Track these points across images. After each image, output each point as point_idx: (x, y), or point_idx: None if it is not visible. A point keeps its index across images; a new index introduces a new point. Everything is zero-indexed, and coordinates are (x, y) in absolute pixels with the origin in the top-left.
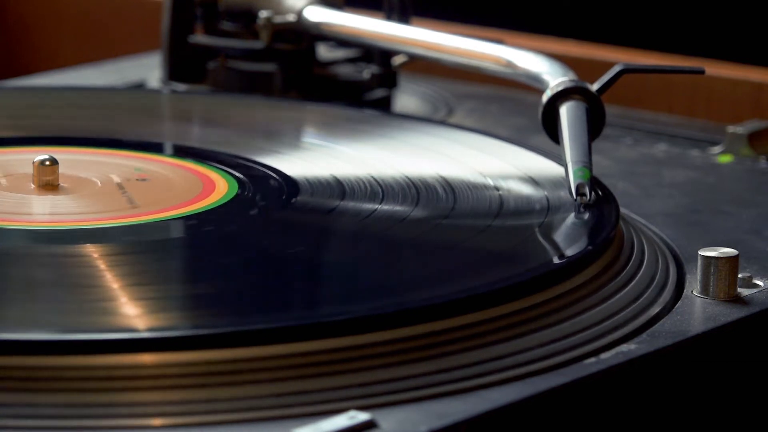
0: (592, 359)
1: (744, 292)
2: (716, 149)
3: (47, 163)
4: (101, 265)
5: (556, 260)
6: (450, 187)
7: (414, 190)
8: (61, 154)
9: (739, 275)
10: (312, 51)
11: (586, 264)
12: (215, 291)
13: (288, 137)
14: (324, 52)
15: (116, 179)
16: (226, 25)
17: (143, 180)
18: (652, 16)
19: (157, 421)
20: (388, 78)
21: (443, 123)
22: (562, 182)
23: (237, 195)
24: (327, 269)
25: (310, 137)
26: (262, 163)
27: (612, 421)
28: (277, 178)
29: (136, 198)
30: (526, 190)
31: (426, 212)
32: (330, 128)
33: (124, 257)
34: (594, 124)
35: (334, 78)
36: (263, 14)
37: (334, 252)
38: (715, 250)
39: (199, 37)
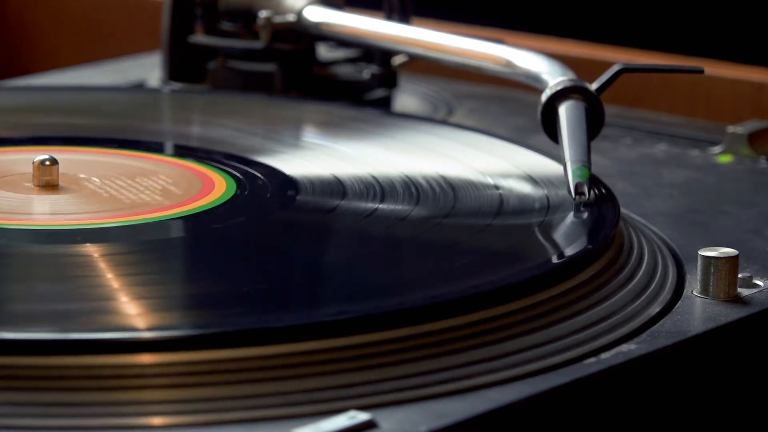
0: (592, 359)
1: (744, 292)
2: (716, 149)
3: (47, 163)
4: (101, 265)
5: (555, 259)
6: (450, 186)
7: (414, 189)
8: (61, 154)
9: (739, 275)
10: (312, 51)
11: (586, 263)
12: (215, 290)
13: (288, 137)
14: (324, 52)
15: (116, 178)
16: (226, 25)
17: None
18: (652, 16)
19: (157, 420)
20: (388, 78)
21: (443, 122)
22: (562, 181)
23: (237, 194)
24: (327, 269)
25: (310, 137)
26: (262, 163)
27: (612, 421)
28: (278, 177)
29: (138, 197)
30: (526, 189)
31: (426, 211)
32: (330, 128)
33: (124, 257)
34: (593, 124)
35: (334, 78)
36: (263, 14)
37: (334, 252)
38: (715, 250)
39: (199, 37)
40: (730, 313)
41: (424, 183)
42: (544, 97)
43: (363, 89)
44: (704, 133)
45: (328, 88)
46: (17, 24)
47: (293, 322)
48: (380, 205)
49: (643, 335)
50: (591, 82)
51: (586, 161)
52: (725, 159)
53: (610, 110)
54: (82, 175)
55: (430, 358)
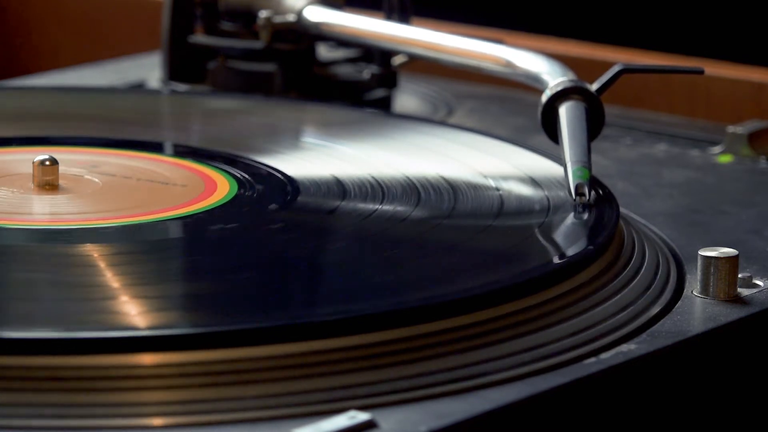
0: (592, 359)
1: (744, 292)
2: (716, 149)
3: (47, 163)
4: (101, 264)
5: (556, 260)
6: (450, 187)
7: (414, 190)
8: (61, 154)
9: (739, 275)
10: (312, 51)
11: (587, 264)
12: (215, 290)
13: (288, 137)
14: (324, 52)
15: (117, 178)
16: (226, 25)
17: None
18: (652, 16)
19: (157, 421)
20: (388, 78)
21: (443, 123)
22: (562, 182)
23: (237, 195)
24: (327, 269)
25: (310, 137)
26: (262, 163)
27: (612, 421)
28: (278, 177)
29: (138, 197)
30: (526, 190)
31: (426, 212)
32: (330, 128)
33: (124, 257)
34: (593, 124)
35: (334, 78)
36: (263, 14)
37: (334, 252)
38: (715, 250)
39: (199, 37)
40: (730, 313)
41: (424, 184)
42: (544, 98)
43: (363, 89)
44: (704, 133)
45: (328, 88)
46: (17, 24)
47: (293, 322)
48: (380, 206)
49: (643, 335)
50: (591, 82)
51: (586, 162)
52: (725, 159)
53: (610, 110)
54: (82, 175)
55: (430, 358)
